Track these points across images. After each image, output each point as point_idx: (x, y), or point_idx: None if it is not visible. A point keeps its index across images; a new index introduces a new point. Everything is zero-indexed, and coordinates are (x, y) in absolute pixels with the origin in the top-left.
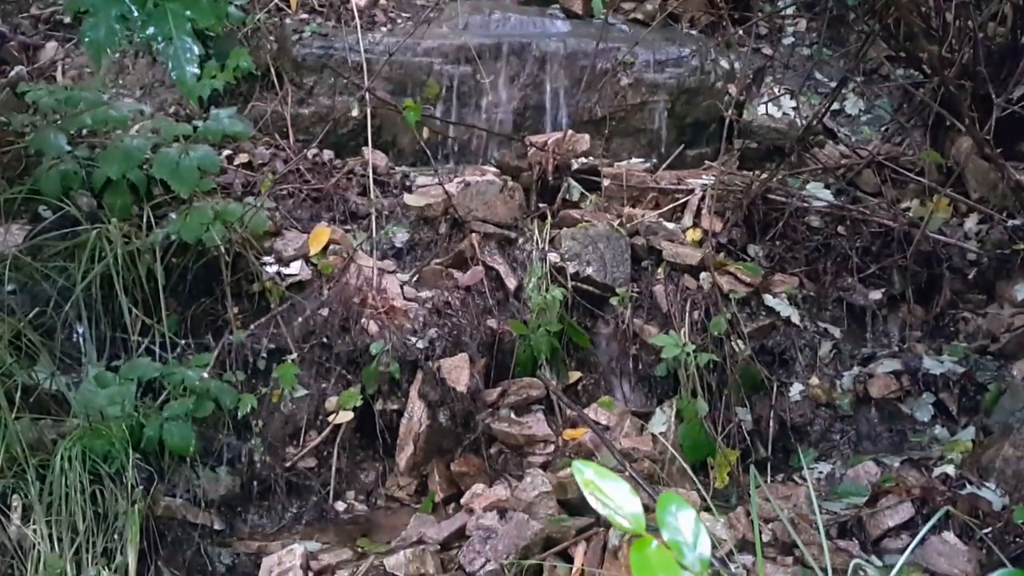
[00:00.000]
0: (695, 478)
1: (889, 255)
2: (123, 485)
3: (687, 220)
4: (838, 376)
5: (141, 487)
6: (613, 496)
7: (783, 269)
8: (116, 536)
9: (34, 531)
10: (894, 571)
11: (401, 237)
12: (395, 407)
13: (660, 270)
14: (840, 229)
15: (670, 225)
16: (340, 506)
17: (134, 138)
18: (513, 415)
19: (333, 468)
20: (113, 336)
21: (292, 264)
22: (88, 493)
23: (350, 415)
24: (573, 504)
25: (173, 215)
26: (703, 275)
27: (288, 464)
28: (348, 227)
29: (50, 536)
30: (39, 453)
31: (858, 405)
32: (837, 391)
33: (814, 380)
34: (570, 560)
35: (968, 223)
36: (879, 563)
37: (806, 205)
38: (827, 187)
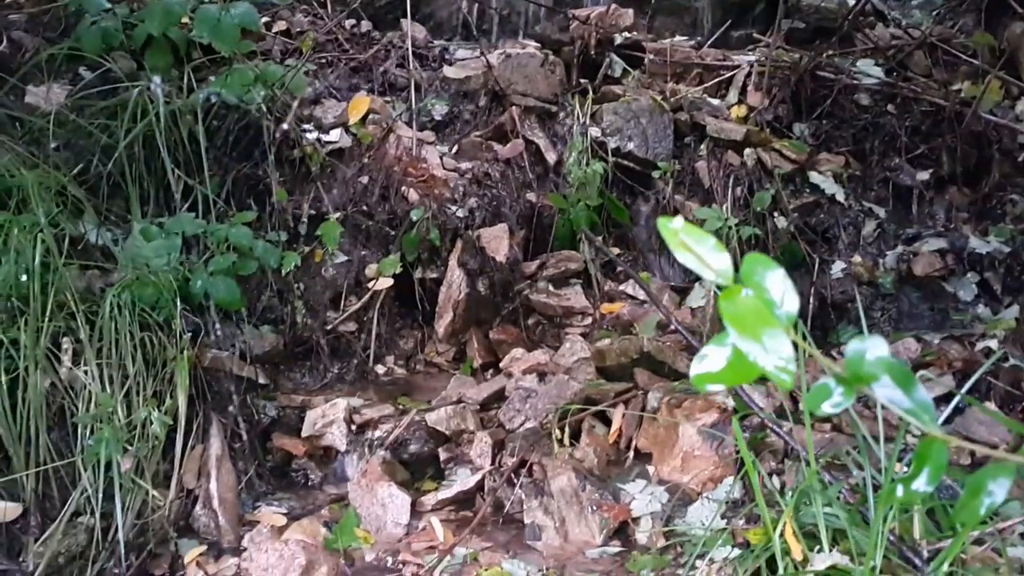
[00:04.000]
0: None
1: (939, 135)
2: (171, 333)
3: (732, 96)
4: (881, 255)
5: (189, 333)
6: (700, 251)
7: (829, 148)
8: (165, 382)
9: (85, 372)
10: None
11: (440, 110)
12: (434, 276)
13: (703, 146)
14: (890, 108)
15: (714, 101)
16: (380, 369)
17: None
18: (551, 287)
19: (373, 333)
20: (156, 195)
21: (332, 132)
22: (137, 339)
23: (390, 282)
24: (611, 371)
25: (213, 79)
26: (747, 151)
27: (329, 327)
28: (387, 98)
29: (100, 378)
30: (88, 301)
31: (900, 283)
32: (880, 269)
33: (857, 258)
34: (608, 422)
35: (1019, 106)
36: (918, 433)
37: (855, 83)
38: (877, 66)
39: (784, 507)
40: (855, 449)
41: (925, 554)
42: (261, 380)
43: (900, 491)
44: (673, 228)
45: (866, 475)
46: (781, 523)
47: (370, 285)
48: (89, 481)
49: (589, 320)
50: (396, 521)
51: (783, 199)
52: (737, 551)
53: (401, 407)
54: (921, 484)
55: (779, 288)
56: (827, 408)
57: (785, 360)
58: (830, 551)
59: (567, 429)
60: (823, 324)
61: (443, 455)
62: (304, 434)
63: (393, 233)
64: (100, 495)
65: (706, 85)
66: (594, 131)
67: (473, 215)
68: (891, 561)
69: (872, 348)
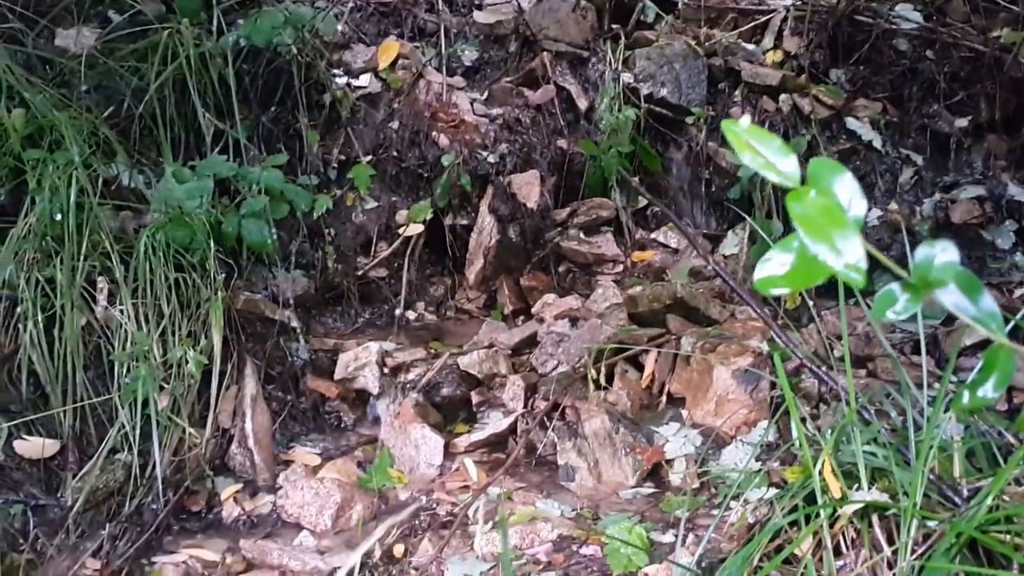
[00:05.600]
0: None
1: (977, 82)
2: (205, 274)
3: (768, 41)
4: (918, 202)
5: (223, 275)
6: (766, 152)
7: (866, 94)
8: (200, 322)
9: (120, 311)
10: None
11: (470, 55)
12: (464, 222)
13: (738, 92)
14: (928, 53)
15: (749, 46)
16: (411, 315)
17: None
18: (582, 235)
19: (403, 279)
20: (187, 139)
21: (361, 77)
22: (172, 280)
23: (420, 228)
24: (643, 317)
25: (242, 22)
26: (783, 97)
27: (360, 273)
28: (416, 44)
29: (136, 317)
30: (122, 241)
31: (937, 231)
32: (917, 217)
33: (893, 205)
34: (640, 367)
35: None
36: (954, 379)
37: (894, 27)
38: (916, 11)
39: (824, 445)
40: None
41: (965, 493)
42: (293, 323)
43: (967, 398)
44: (739, 129)
45: (908, 414)
46: (820, 460)
47: (401, 231)
48: (126, 418)
49: (620, 268)
50: (429, 462)
51: (819, 145)
52: (773, 491)
53: (433, 351)
54: (988, 391)
55: (847, 192)
56: (892, 315)
57: (856, 260)
58: (868, 489)
59: (603, 370)
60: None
61: (475, 398)
62: (337, 377)
63: (424, 178)
64: (137, 432)
65: (741, 30)
66: (626, 77)
67: (504, 161)
68: (930, 499)
69: (941, 252)
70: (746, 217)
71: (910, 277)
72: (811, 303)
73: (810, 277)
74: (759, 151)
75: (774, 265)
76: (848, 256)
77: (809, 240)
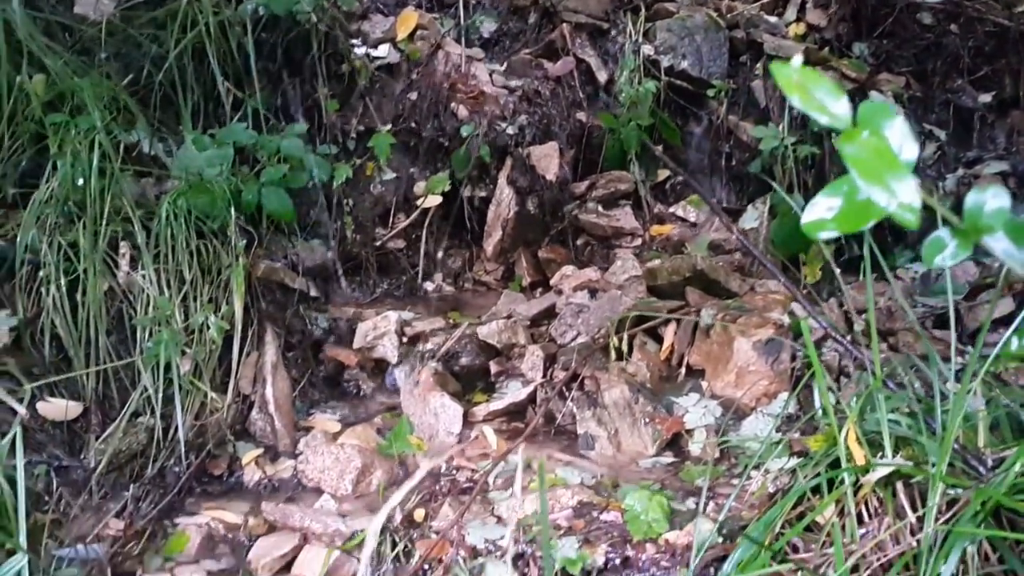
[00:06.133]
0: (790, 268)
1: (1002, 57)
2: (226, 241)
3: (790, 14)
4: (941, 178)
5: (244, 241)
6: (816, 94)
7: (890, 68)
8: (221, 289)
9: (143, 276)
10: (992, 355)
11: (489, 27)
12: (483, 194)
13: (759, 65)
14: (952, 28)
15: (772, 19)
16: (429, 286)
17: None
18: (601, 208)
19: (421, 251)
20: (206, 108)
21: (380, 47)
22: (193, 246)
23: (438, 199)
24: (662, 290)
25: None
26: None
27: (378, 243)
28: (435, 15)
29: (158, 282)
30: (143, 207)
31: (960, 206)
32: (939, 192)
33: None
34: (660, 340)
35: None
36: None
37: (918, 1)
38: None
39: (848, 413)
40: (923, 361)
41: (990, 462)
42: (312, 292)
43: (1015, 344)
44: (789, 70)
45: (934, 384)
46: (845, 428)
47: (419, 203)
48: (149, 382)
49: (639, 241)
50: (448, 430)
51: None
52: (794, 461)
53: (452, 321)
54: None
55: (898, 135)
56: (941, 261)
57: (910, 199)
58: (893, 457)
59: (624, 341)
60: (881, 248)
61: (494, 368)
62: (356, 345)
63: (443, 149)
64: (160, 396)
65: (763, 2)
66: (647, 49)
67: (523, 133)
68: (955, 467)
69: (992, 199)
70: (773, 184)
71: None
72: (838, 270)
73: (860, 219)
74: (809, 92)
75: (821, 209)
76: (902, 196)
77: (862, 181)
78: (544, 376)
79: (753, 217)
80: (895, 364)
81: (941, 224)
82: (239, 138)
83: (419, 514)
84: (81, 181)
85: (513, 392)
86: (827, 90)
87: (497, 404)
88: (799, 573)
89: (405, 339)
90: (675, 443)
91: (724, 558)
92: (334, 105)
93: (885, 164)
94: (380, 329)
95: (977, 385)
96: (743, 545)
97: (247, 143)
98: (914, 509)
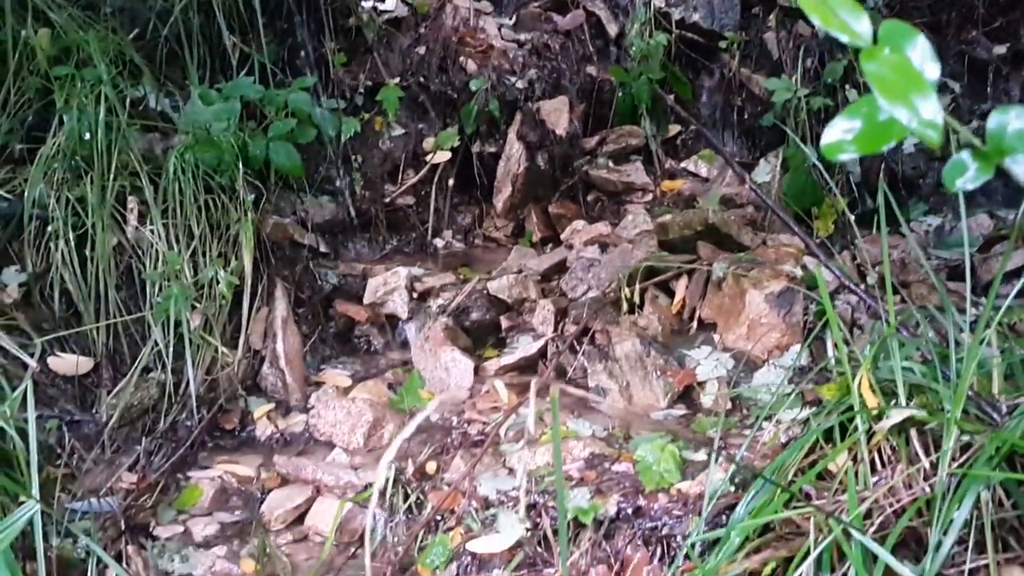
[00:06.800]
0: (796, 228)
1: (1017, 8)
2: (234, 196)
3: None
4: (955, 130)
5: (252, 196)
6: (839, 12)
7: (904, 19)
8: (230, 244)
9: (151, 231)
10: (1005, 305)
11: None
12: (492, 150)
13: (772, 16)
14: None
15: None
16: (439, 242)
17: None
18: (611, 163)
19: (431, 207)
20: (212, 63)
21: (387, 0)
22: (201, 201)
23: (448, 155)
24: (673, 244)
25: None
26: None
27: (387, 200)
28: None
29: (166, 238)
30: (151, 162)
31: None
32: (952, 144)
33: None
34: (671, 294)
35: None
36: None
37: None
38: None
39: (862, 362)
40: (940, 310)
41: (1004, 408)
42: (322, 248)
43: None
44: None
45: (949, 332)
46: (859, 375)
47: (428, 159)
48: (159, 336)
49: (649, 197)
50: (459, 384)
51: (855, 70)
52: (806, 411)
53: (462, 276)
54: None
55: (919, 54)
56: (961, 184)
57: (933, 116)
58: (907, 405)
59: (637, 293)
60: (895, 201)
61: (505, 323)
62: (366, 301)
63: (451, 105)
64: (170, 351)
65: None
66: (657, 1)
67: (532, 87)
68: (969, 414)
69: (1015, 119)
70: (789, 132)
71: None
72: (852, 216)
73: (880, 139)
74: (831, 11)
75: (839, 130)
76: (924, 112)
77: (884, 99)
78: (555, 330)
79: (765, 171)
80: (909, 313)
81: (956, 151)
82: (246, 92)
83: (431, 466)
84: (88, 135)
85: (524, 346)
86: (848, 8)
87: (508, 359)
88: (812, 519)
89: (415, 295)
90: (687, 395)
91: (736, 506)
92: (341, 58)
93: (908, 81)
94: (390, 285)
95: (992, 334)
96: (757, 486)
97: (254, 97)
98: (928, 456)
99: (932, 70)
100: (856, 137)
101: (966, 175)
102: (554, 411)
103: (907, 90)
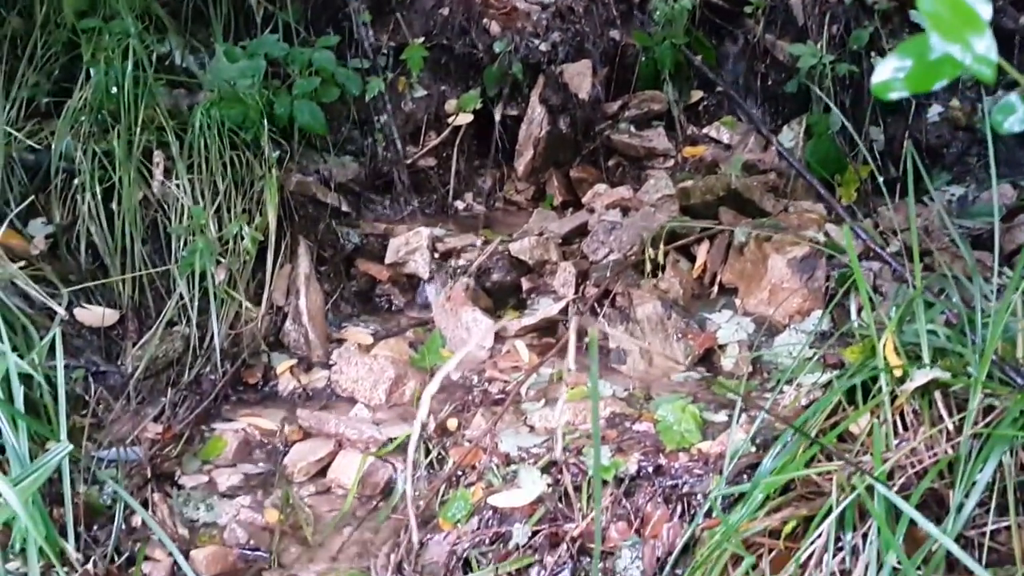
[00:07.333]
0: (823, 191)
1: None
2: (259, 153)
3: None
4: (980, 99)
5: (276, 154)
6: None
7: None
8: (254, 200)
9: (177, 186)
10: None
11: None
12: (514, 113)
13: None
14: None
15: None
16: (460, 204)
17: None
18: (633, 128)
19: (452, 169)
20: (236, 21)
21: None
22: (227, 157)
23: (470, 117)
24: (695, 210)
25: None
26: None
27: (409, 161)
28: None
29: (192, 193)
30: (176, 118)
31: None
32: (977, 115)
33: (955, 102)
34: (692, 259)
35: None
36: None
37: None
38: None
39: (887, 324)
40: (957, 280)
41: None
42: (344, 208)
43: None
44: None
45: (976, 296)
46: (884, 337)
47: (450, 121)
48: (184, 290)
49: (671, 163)
50: (480, 344)
51: (881, 38)
52: (827, 376)
53: (484, 238)
54: None
55: None
56: (1009, 125)
57: (986, 50)
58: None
59: (661, 256)
60: (918, 171)
61: (525, 284)
62: (387, 261)
63: (474, 67)
64: (195, 305)
65: None
66: None
67: (556, 50)
68: (993, 378)
69: None
70: (818, 93)
71: None
72: (881, 179)
73: (932, 78)
74: None
75: (889, 69)
76: (979, 49)
77: (937, 37)
78: (576, 292)
79: (789, 138)
80: (935, 277)
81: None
82: (270, 50)
83: (452, 423)
84: (115, 89)
85: (545, 308)
86: None
87: (529, 320)
88: (835, 478)
89: (437, 255)
90: (707, 358)
91: (757, 465)
92: (366, 16)
93: (962, 19)
94: (412, 244)
95: (1018, 299)
96: (783, 441)
97: (278, 55)
98: (951, 417)
99: (986, 9)
100: (908, 76)
101: (1014, 116)
102: (592, 350)
103: (961, 27)
